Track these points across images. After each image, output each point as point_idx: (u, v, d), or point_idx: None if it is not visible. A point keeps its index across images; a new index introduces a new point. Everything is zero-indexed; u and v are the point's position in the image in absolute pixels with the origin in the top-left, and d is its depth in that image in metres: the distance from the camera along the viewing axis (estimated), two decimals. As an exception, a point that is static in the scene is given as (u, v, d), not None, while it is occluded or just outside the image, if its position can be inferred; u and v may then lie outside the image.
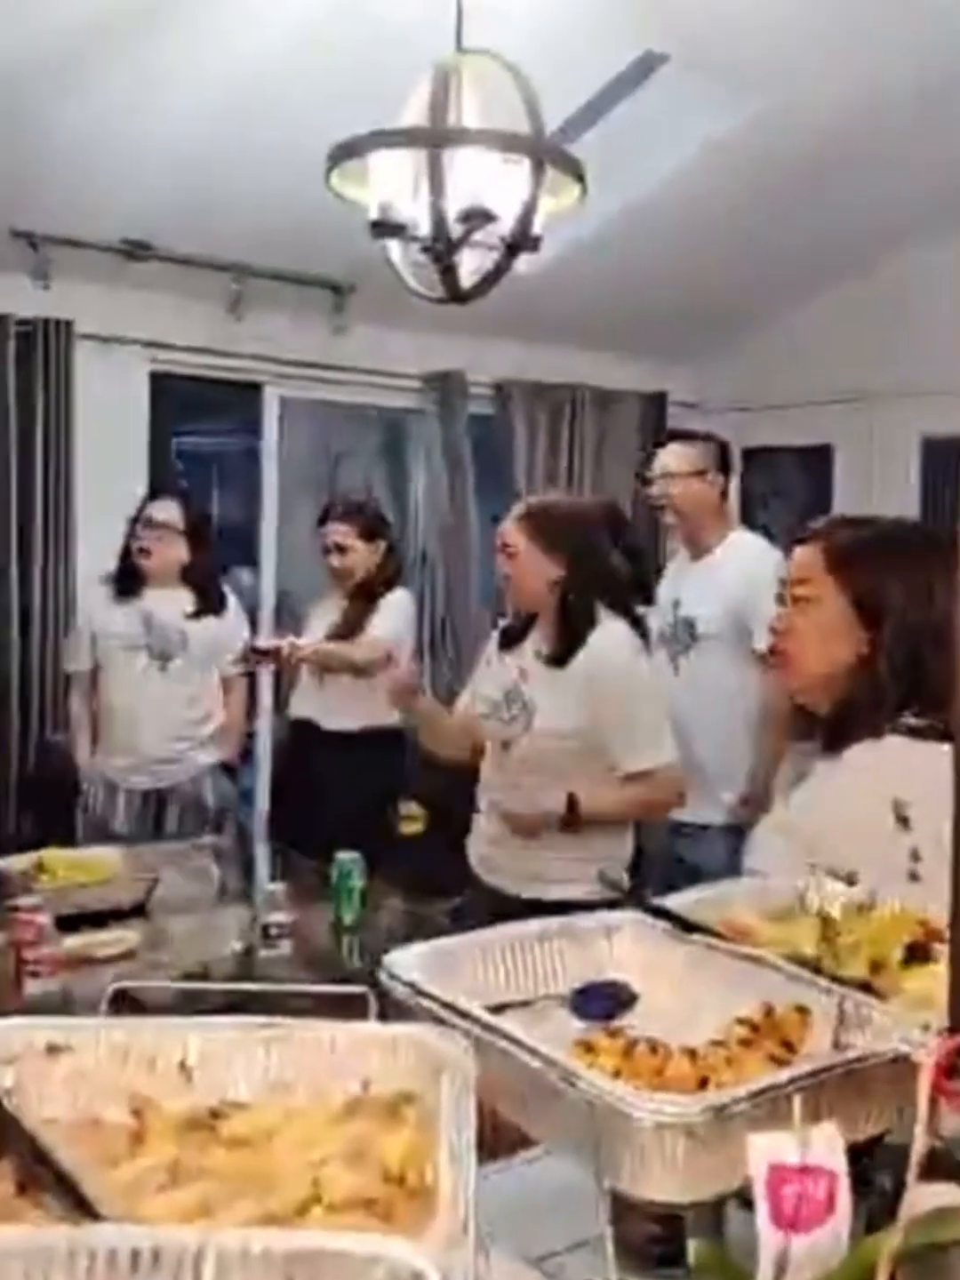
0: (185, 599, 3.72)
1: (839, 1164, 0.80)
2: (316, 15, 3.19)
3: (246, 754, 4.73)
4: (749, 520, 4.94)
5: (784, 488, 5.47)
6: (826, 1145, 0.80)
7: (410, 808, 3.73)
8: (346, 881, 2.67)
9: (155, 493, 3.86)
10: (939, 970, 1.25)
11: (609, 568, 2.86)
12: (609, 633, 2.75)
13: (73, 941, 2.45)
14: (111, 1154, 0.95)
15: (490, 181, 2.72)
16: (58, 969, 2.34)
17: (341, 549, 3.83)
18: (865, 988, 1.25)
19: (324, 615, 3.97)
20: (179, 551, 3.70)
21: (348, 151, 2.71)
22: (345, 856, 2.72)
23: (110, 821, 3.65)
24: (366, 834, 3.33)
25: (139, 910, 2.70)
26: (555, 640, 2.77)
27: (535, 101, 2.77)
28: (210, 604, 3.75)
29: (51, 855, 2.87)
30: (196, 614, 3.71)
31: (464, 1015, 1.02)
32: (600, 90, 3.52)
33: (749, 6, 3.37)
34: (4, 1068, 0.98)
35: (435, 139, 2.64)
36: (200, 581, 3.75)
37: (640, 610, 2.88)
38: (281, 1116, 0.97)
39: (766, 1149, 0.79)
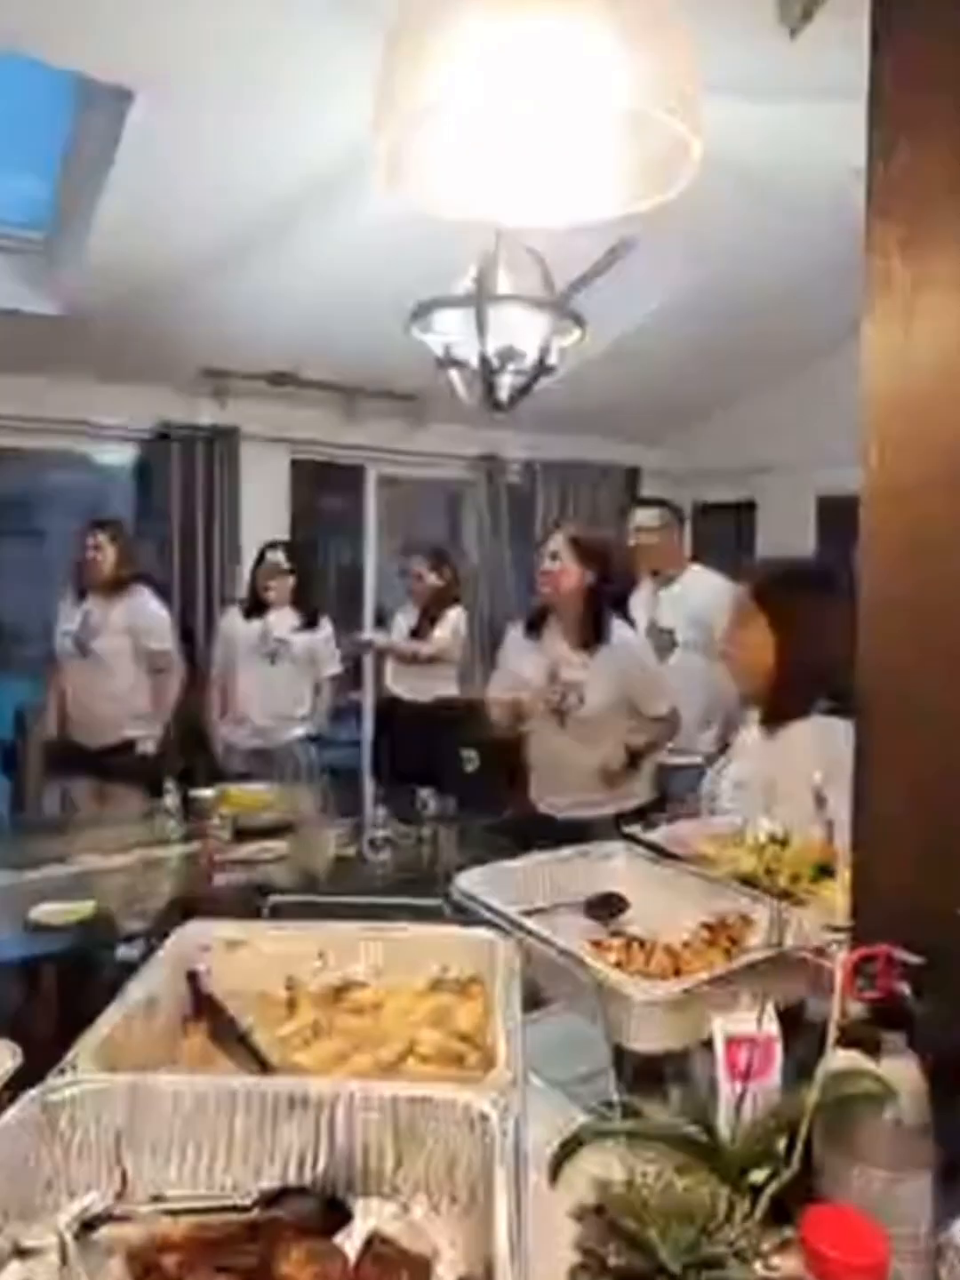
0: (291, 618, 3.63)
1: (774, 1032, 0.79)
2: (398, 216, 3.17)
3: (355, 718, 4.72)
4: (701, 552, 4.90)
5: (724, 530, 5.39)
6: (765, 1019, 0.79)
7: (469, 753, 3.72)
8: (423, 811, 2.65)
9: (272, 545, 3.76)
10: (839, 884, 1.23)
11: (616, 580, 2.87)
12: (622, 627, 2.75)
13: (246, 848, 2.45)
14: (273, 1016, 0.95)
15: (520, 329, 2.69)
16: (235, 867, 2.36)
17: (417, 576, 3.84)
18: (786, 895, 1.22)
19: (404, 619, 3.97)
20: (286, 584, 3.62)
21: (423, 310, 2.70)
22: (423, 791, 2.70)
23: (231, 768, 3.52)
24: (439, 771, 3.34)
25: (288, 827, 2.66)
26: (579, 632, 2.69)
27: (549, 273, 2.74)
28: (308, 622, 3.65)
29: (230, 788, 2.82)
30: (298, 629, 3.62)
31: (515, 923, 1.01)
32: (593, 263, 3.48)
33: (699, 200, 3.29)
34: (202, 955, 0.98)
35: (482, 301, 2.62)
36: (302, 605, 3.65)
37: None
38: (386, 991, 0.96)
39: (724, 1024, 0.78)
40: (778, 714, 1.67)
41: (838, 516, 5.03)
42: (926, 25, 0.75)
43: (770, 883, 1.23)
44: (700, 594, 3.29)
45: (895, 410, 0.76)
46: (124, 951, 2.09)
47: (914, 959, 0.71)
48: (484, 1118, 0.68)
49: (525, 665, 2.81)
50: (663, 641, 3.30)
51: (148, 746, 3.31)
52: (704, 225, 3.52)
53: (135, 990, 0.87)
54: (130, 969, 2.02)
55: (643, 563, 3.45)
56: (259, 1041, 0.86)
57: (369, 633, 4.27)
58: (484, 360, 2.67)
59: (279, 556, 3.64)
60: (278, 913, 1.08)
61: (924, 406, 0.74)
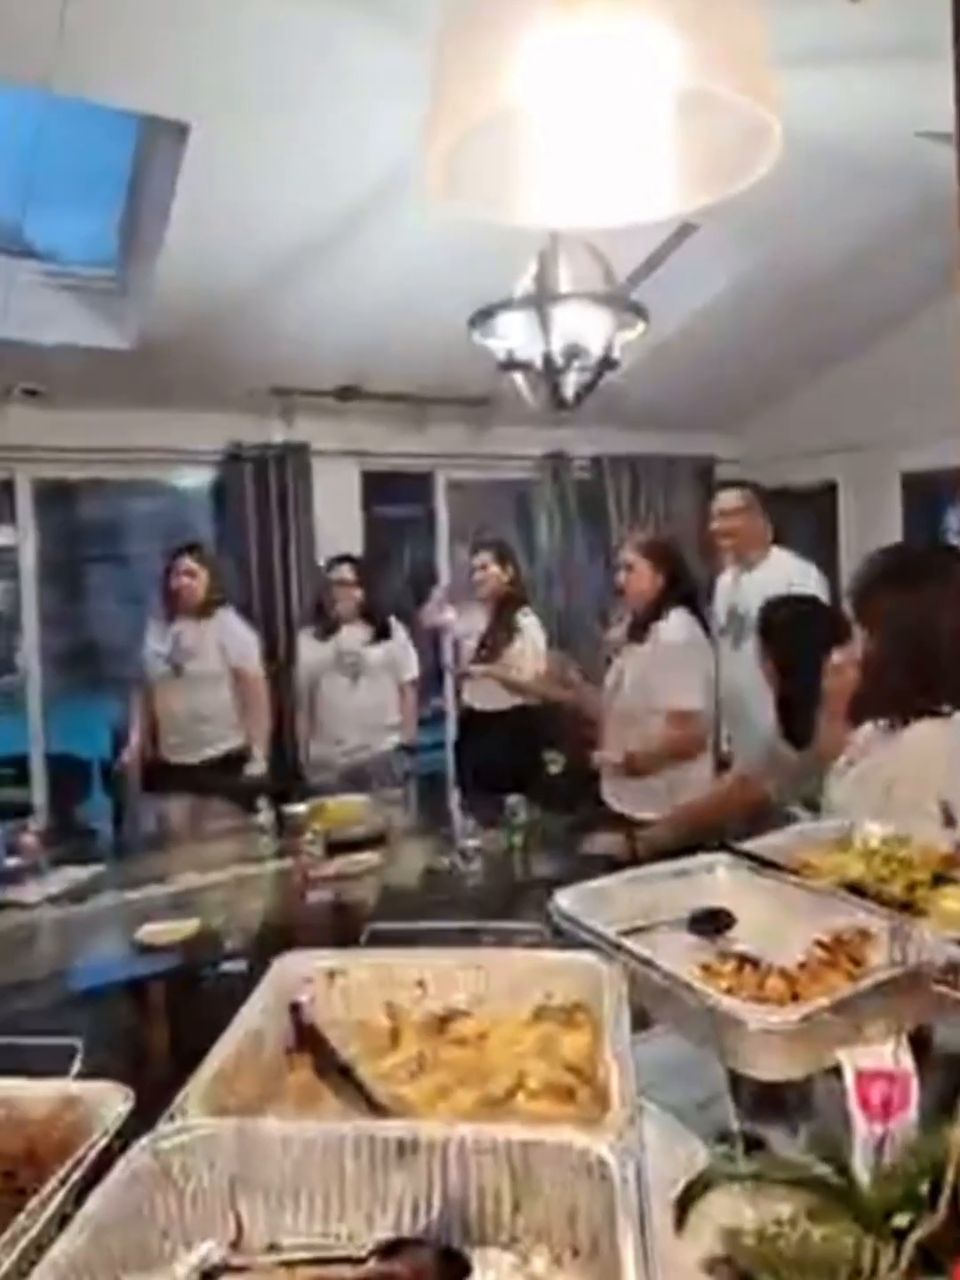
0: (363, 632, 3.57)
1: (909, 1066, 0.73)
2: (453, 222, 3.16)
3: (439, 722, 4.71)
4: (782, 538, 4.75)
5: (805, 515, 5.20)
6: (900, 1052, 0.73)
7: (552, 755, 3.68)
8: (513, 818, 2.62)
9: (337, 560, 3.70)
10: (961, 891, 1.15)
11: (691, 579, 2.91)
12: (671, 620, 2.73)
13: (337, 863, 2.45)
14: (376, 1047, 0.93)
15: (582, 325, 2.65)
16: (327, 883, 2.37)
17: (483, 567, 3.73)
18: (905, 905, 1.15)
19: (470, 621, 3.83)
20: (354, 598, 3.56)
21: (484, 315, 2.67)
22: (512, 799, 2.67)
23: (328, 786, 3.40)
24: (524, 776, 3.31)
25: (381, 839, 2.66)
26: (635, 625, 2.79)
27: (609, 266, 2.69)
28: (381, 632, 3.57)
29: (323, 802, 2.84)
30: (370, 641, 3.56)
31: (617, 945, 0.97)
32: (653, 251, 3.40)
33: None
34: (303, 985, 0.98)
35: (542, 302, 2.58)
36: (372, 618, 3.58)
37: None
38: (490, 1020, 0.94)
39: (853, 1057, 0.73)
40: (901, 710, 1.56)
41: (923, 492, 4.81)
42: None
43: (883, 891, 1.16)
44: (780, 577, 3.19)
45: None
46: (227, 967, 2.13)
47: None
48: (603, 1163, 0.64)
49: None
50: (739, 629, 3.20)
51: (249, 764, 3.33)
52: (765, 201, 3.40)
53: (239, 1025, 0.86)
54: (233, 983, 2.05)
55: (725, 547, 3.34)
56: (364, 1076, 0.85)
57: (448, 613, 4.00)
58: (548, 360, 2.63)
59: (344, 571, 3.60)
60: (376, 939, 1.06)
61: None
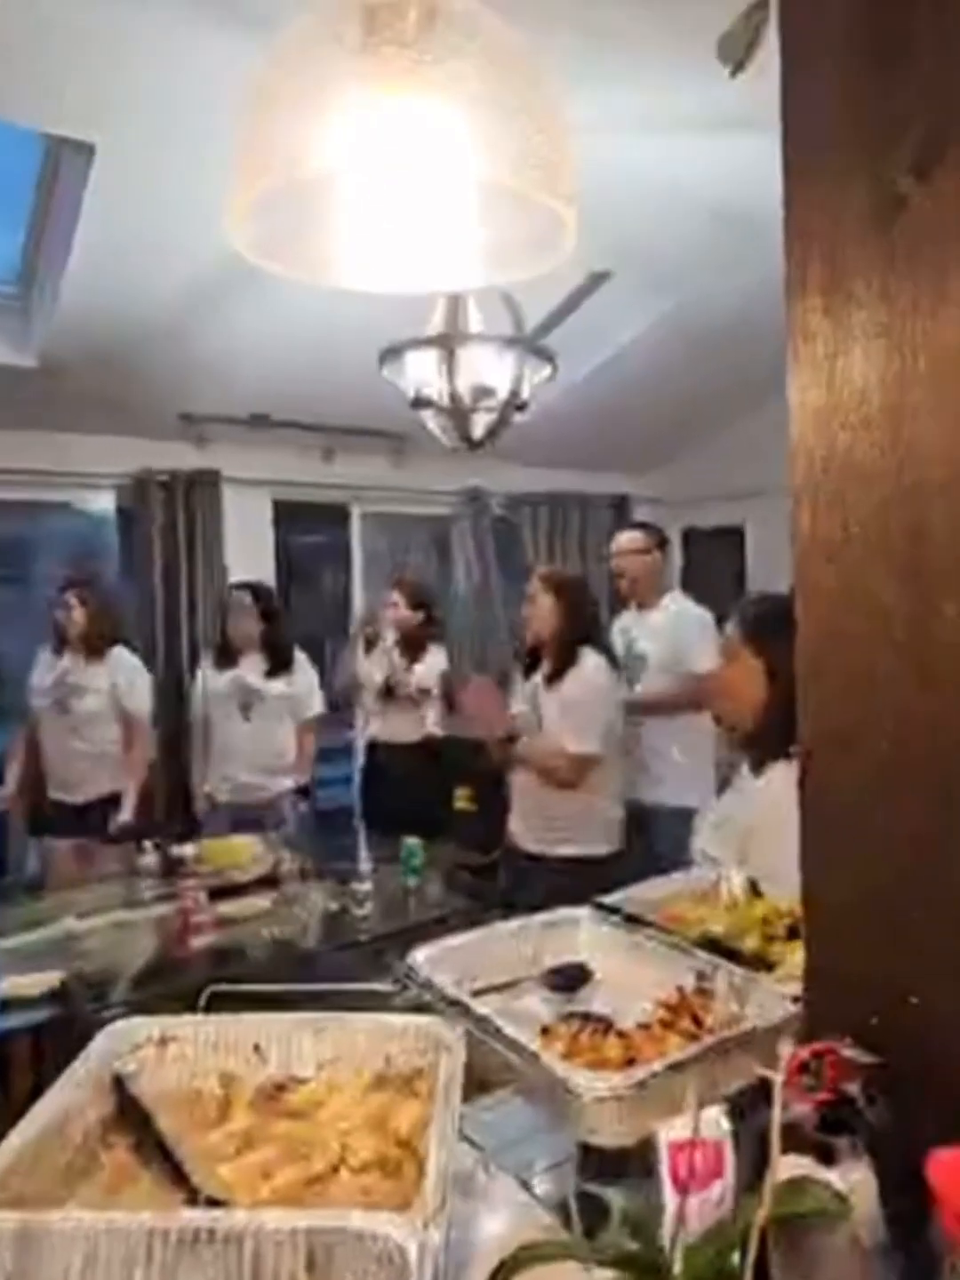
0: (262, 663, 3.42)
1: (723, 1135, 0.73)
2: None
3: (347, 756, 4.63)
4: (692, 579, 4.86)
5: (716, 557, 5.35)
6: (713, 1121, 0.73)
7: (463, 791, 3.65)
8: (411, 859, 2.59)
9: (237, 586, 3.58)
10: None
11: (592, 617, 2.93)
12: (588, 663, 2.76)
13: (224, 907, 2.36)
14: (206, 1118, 0.90)
15: (490, 367, 2.68)
16: (211, 929, 2.28)
17: (392, 606, 3.72)
18: (758, 958, 1.17)
19: (384, 652, 3.79)
20: (254, 628, 3.42)
21: (393, 353, 2.68)
22: (410, 840, 2.64)
23: (218, 828, 3.28)
24: (428, 812, 3.28)
25: (271, 882, 2.58)
26: (553, 668, 2.80)
27: (519, 310, 2.73)
28: (281, 665, 3.42)
29: (208, 843, 2.77)
30: (269, 674, 3.40)
31: (464, 1006, 0.96)
32: (565, 298, 3.47)
33: (664, 232, 3.32)
34: (127, 1056, 0.93)
35: (451, 342, 2.61)
36: (274, 650, 3.44)
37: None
38: (326, 1089, 0.91)
39: (667, 1131, 0.72)
40: (764, 755, 1.61)
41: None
42: (827, 85, 0.72)
43: (739, 942, 1.18)
44: (674, 619, 3.27)
45: (822, 466, 0.72)
46: (102, 1016, 2.03)
47: (866, 1058, 0.66)
48: (402, 1251, 0.62)
49: (519, 701, 2.93)
50: (638, 668, 3.26)
51: (120, 812, 3.18)
52: (675, 254, 3.55)
53: (49, 1101, 0.81)
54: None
55: (622, 587, 3.40)
56: (184, 1155, 0.81)
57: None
58: (455, 399, 2.65)
59: (244, 597, 3.45)
60: (217, 1001, 1.02)
61: (846, 462, 0.70)
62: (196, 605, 4.10)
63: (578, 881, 2.66)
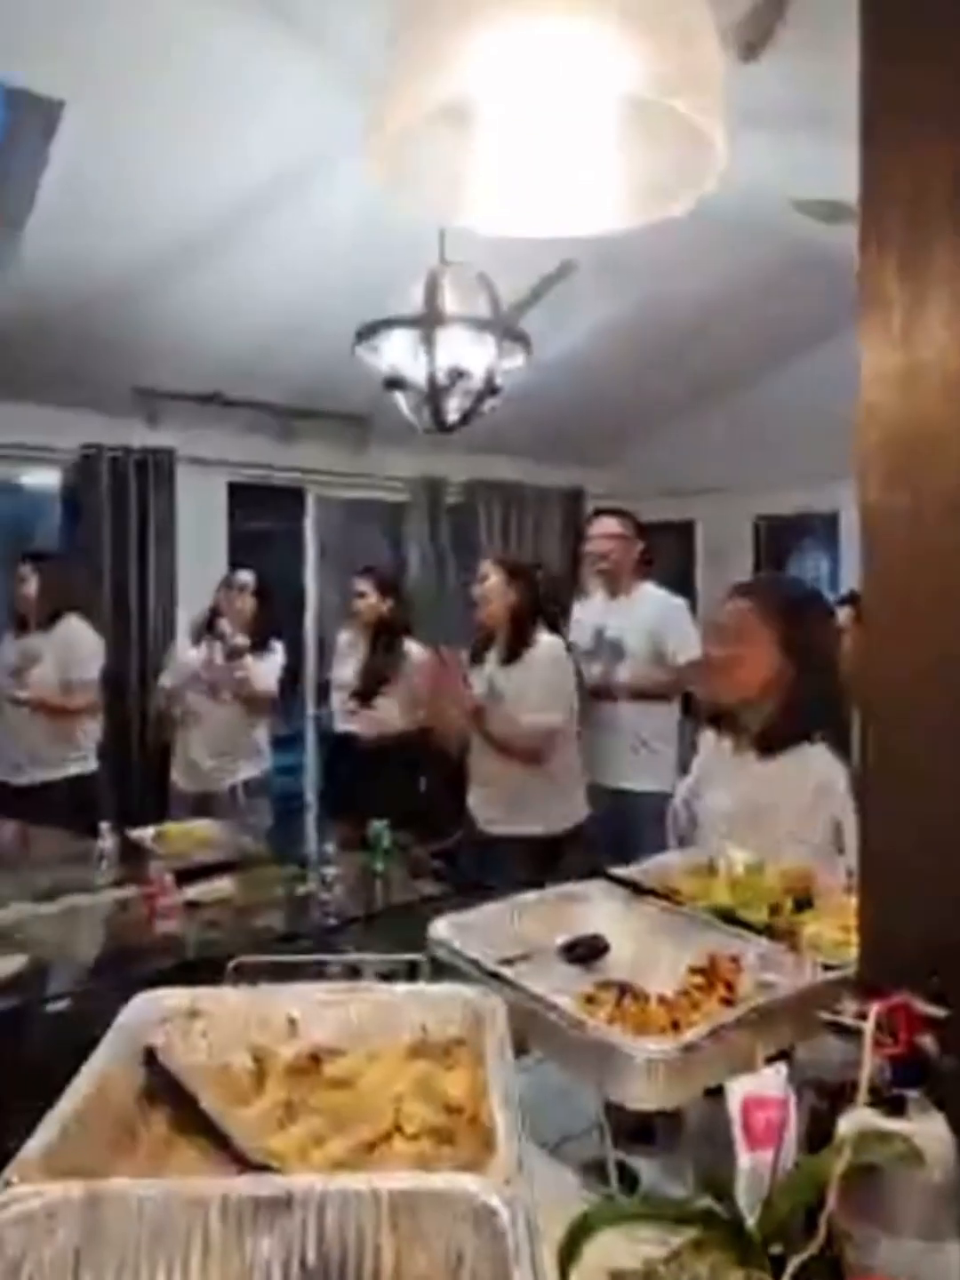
0: (244, 642, 3.37)
1: (787, 1091, 0.74)
2: (341, 236, 3.13)
3: (297, 744, 4.57)
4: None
5: (665, 550, 5.43)
6: (777, 1079, 0.74)
7: (421, 778, 3.64)
8: (379, 841, 2.56)
9: (237, 566, 3.63)
10: (821, 916, 1.20)
11: (547, 597, 2.98)
12: (542, 641, 2.83)
13: (188, 891, 2.29)
14: (240, 1093, 0.87)
15: (467, 350, 2.66)
16: (177, 913, 2.22)
17: (361, 595, 3.64)
18: (768, 929, 1.18)
19: (349, 644, 3.74)
20: (249, 606, 3.44)
21: (370, 330, 2.65)
22: (377, 823, 2.60)
23: (176, 815, 3.21)
24: (391, 799, 3.25)
25: (236, 865, 2.50)
26: (508, 648, 2.84)
27: (495, 293, 2.72)
28: (262, 649, 3.42)
29: (169, 827, 2.71)
30: (249, 651, 3.36)
31: (498, 976, 0.95)
32: (536, 284, 3.46)
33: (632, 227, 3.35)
34: (157, 1028, 0.90)
35: (429, 322, 2.58)
36: (259, 631, 3.44)
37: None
38: (365, 1058, 0.89)
39: (739, 1086, 0.73)
40: (777, 738, 1.60)
41: (774, 537, 5.12)
42: (915, 49, 0.73)
43: (747, 916, 1.20)
44: (651, 607, 3.29)
45: (895, 431, 0.74)
46: (59, 1006, 1.96)
47: (937, 1011, 0.67)
48: (491, 1211, 0.61)
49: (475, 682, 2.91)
50: (608, 654, 3.28)
51: (82, 784, 3.15)
52: (643, 246, 3.58)
53: (85, 1076, 0.78)
54: (66, 1022, 1.88)
55: (598, 570, 3.40)
56: (230, 1127, 0.78)
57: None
58: (432, 380, 2.62)
59: (247, 577, 3.49)
60: (241, 973, 0.99)
61: (921, 427, 0.72)
62: (148, 587, 3.99)
63: (541, 859, 2.73)
